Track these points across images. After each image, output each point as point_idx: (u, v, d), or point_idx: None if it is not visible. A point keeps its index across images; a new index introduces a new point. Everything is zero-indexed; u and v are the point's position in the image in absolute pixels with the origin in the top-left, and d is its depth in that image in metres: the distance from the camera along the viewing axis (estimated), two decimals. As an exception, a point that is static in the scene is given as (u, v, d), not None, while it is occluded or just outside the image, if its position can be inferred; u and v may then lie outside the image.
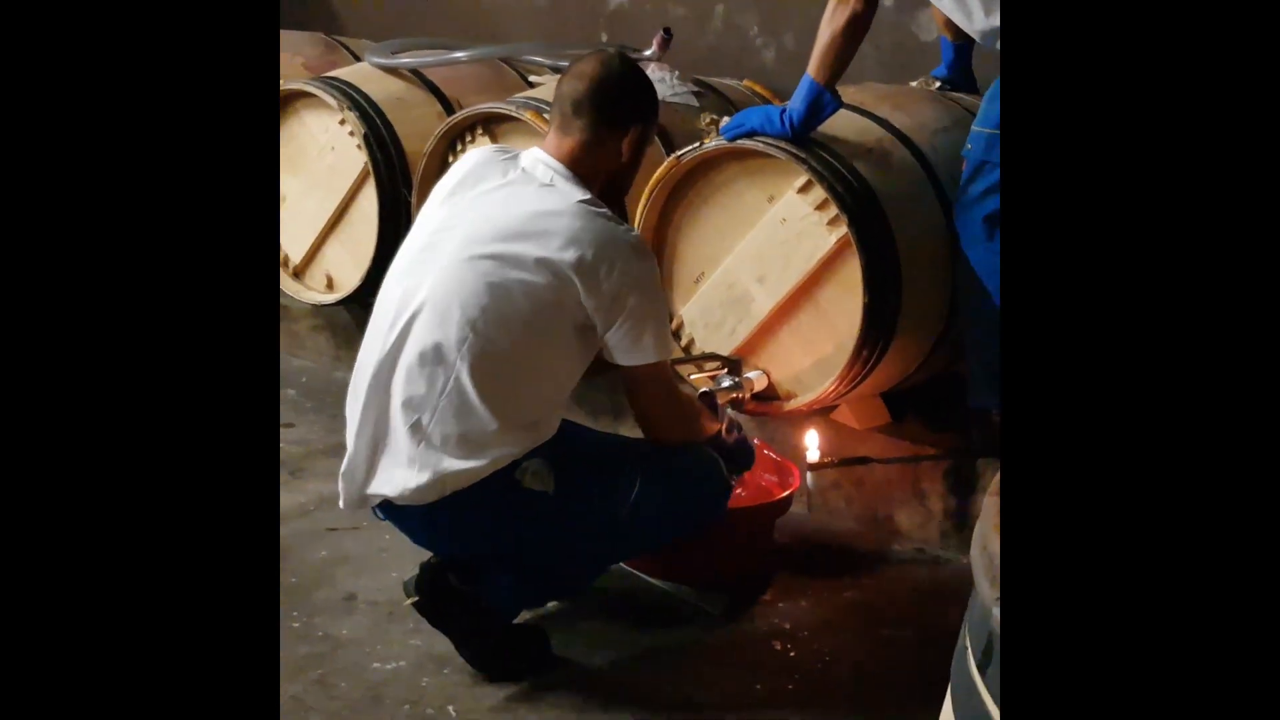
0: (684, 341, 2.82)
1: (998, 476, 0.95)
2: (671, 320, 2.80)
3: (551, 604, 2.40)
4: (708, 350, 2.76)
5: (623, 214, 2.29)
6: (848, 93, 2.65)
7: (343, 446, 2.18)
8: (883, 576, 2.65)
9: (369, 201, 3.46)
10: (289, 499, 2.82)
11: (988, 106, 2.56)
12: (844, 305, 2.56)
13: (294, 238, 3.64)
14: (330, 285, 3.66)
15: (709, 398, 2.54)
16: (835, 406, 2.82)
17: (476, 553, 2.22)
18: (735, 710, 2.14)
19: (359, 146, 3.43)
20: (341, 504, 2.18)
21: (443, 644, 2.21)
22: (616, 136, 2.19)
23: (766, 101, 3.41)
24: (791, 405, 2.69)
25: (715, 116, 2.74)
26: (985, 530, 0.89)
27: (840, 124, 2.60)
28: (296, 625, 2.33)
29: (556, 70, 3.64)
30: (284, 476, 2.94)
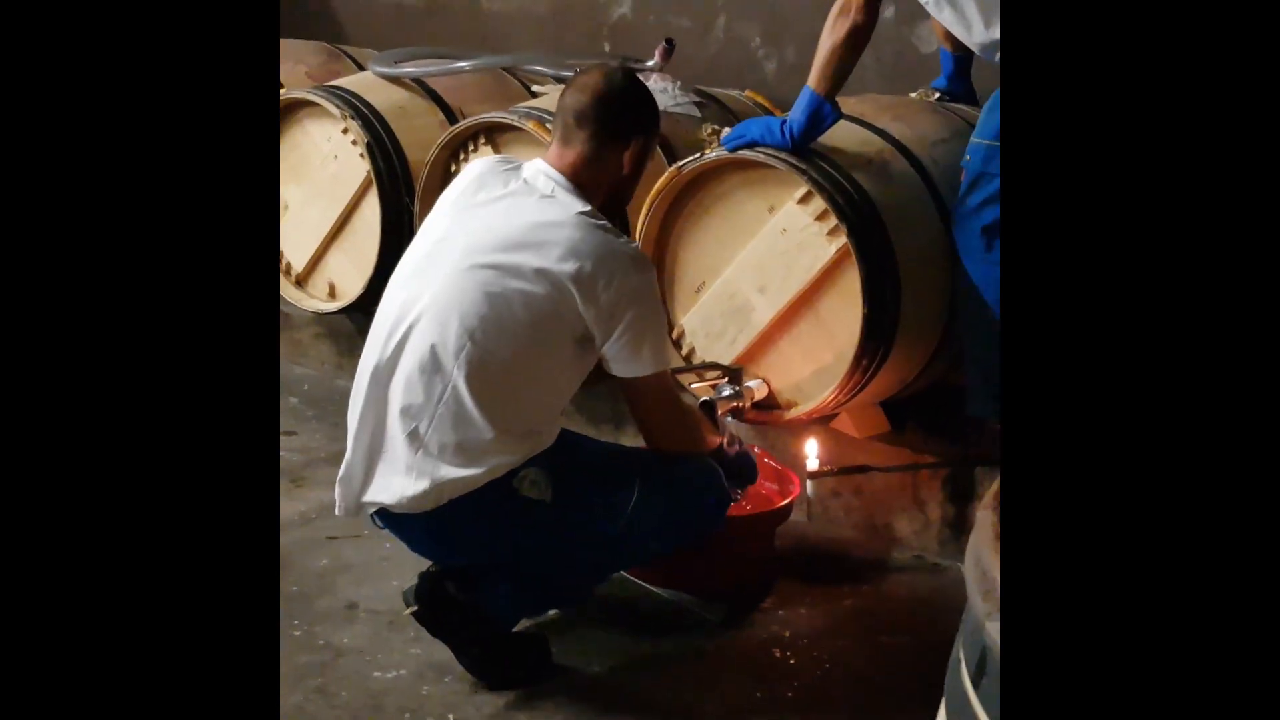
0: (685, 351, 2.84)
1: (992, 489, 0.96)
2: (672, 330, 2.81)
3: (551, 612, 2.41)
4: (708, 360, 2.77)
5: (624, 226, 2.31)
6: (848, 104, 2.67)
7: (344, 454, 2.19)
8: (882, 584, 2.66)
9: (371, 210, 3.47)
10: (290, 507, 2.83)
11: (986, 118, 2.57)
12: (844, 315, 2.57)
13: (296, 246, 3.65)
14: (332, 293, 3.67)
15: (709, 407, 2.55)
16: (835, 415, 2.82)
17: (475, 561, 2.23)
18: (735, 717, 2.15)
19: (362, 155, 3.45)
20: (338, 510, 2.19)
21: (443, 652, 2.21)
22: (618, 149, 2.20)
23: (768, 112, 3.42)
24: (792, 414, 2.70)
25: (717, 127, 2.75)
26: (978, 544, 0.90)
27: (840, 135, 2.62)
28: (297, 634, 2.34)
29: (559, 80, 3.66)
30: (285, 485, 2.95)
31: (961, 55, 3.05)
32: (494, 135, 3.21)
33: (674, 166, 2.70)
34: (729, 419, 2.70)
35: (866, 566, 2.72)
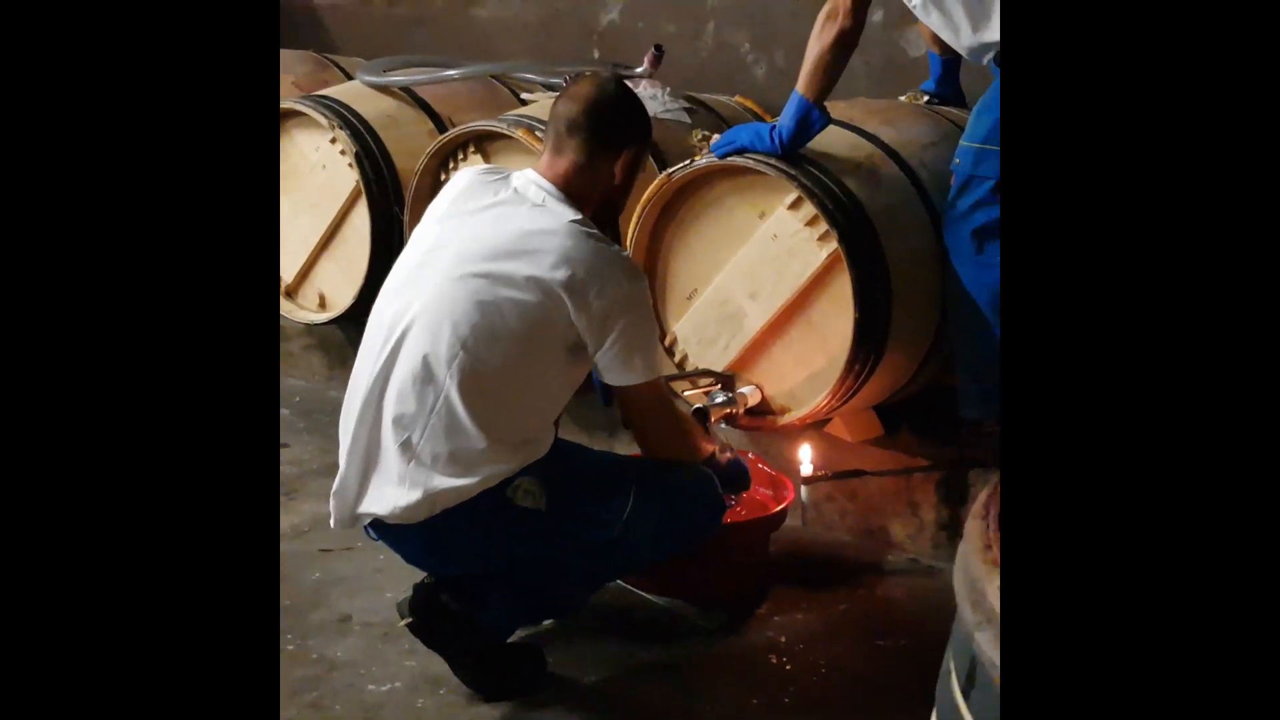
0: (677, 358, 2.83)
1: (980, 498, 0.95)
2: (665, 337, 2.81)
3: (547, 621, 2.40)
4: (701, 367, 2.77)
5: (616, 236, 2.31)
6: (837, 108, 2.67)
7: (337, 467, 2.18)
8: (877, 588, 2.66)
9: (361, 220, 3.47)
10: (282, 520, 2.82)
11: (975, 121, 2.57)
12: (835, 320, 2.57)
13: (286, 257, 3.64)
14: (323, 304, 3.66)
15: (702, 414, 2.55)
16: (829, 420, 2.82)
17: (469, 572, 2.22)
18: (732, 725, 2.15)
19: (350, 165, 3.44)
20: (333, 523, 2.19)
21: (438, 664, 2.21)
22: (610, 158, 2.21)
23: (758, 117, 3.43)
24: (785, 420, 2.70)
25: (707, 133, 2.75)
26: (967, 553, 0.90)
27: (830, 140, 2.62)
28: (291, 647, 2.33)
29: (549, 88, 3.65)
30: (278, 496, 2.95)
31: (950, 58, 3.05)
32: (484, 144, 3.20)
33: (664, 173, 2.70)
34: (722, 425, 2.71)
35: (862, 570, 2.72)
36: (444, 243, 2.17)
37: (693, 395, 2.70)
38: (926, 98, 3.14)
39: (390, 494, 2.10)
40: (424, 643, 2.20)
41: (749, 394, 2.70)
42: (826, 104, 2.52)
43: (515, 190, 2.19)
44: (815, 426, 2.81)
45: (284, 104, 3.55)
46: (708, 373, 2.73)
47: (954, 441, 2.76)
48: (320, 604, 2.50)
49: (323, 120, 3.45)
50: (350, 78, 4.02)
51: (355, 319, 3.35)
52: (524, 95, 3.75)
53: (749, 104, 3.61)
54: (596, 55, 4.30)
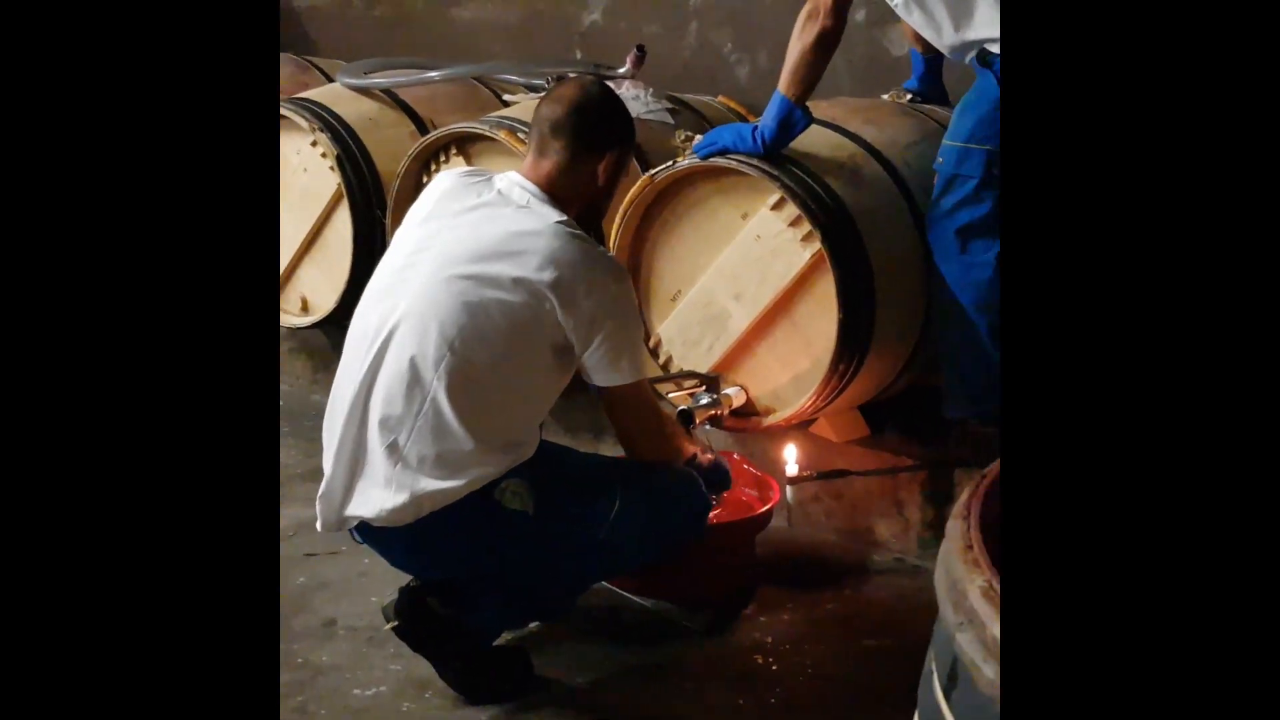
0: (662, 359, 2.83)
1: (962, 497, 0.95)
2: (649, 339, 2.81)
3: (533, 624, 2.40)
4: (686, 368, 2.77)
5: (599, 238, 2.31)
6: (820, 108, 2.67)
7: (320, 470, 2.17)
8: (863, 587, 2.66)
9: (343, 223, 3.45)
10: (268, 524, 2.81)
11: (958, 120, 2.57)
12: (819, 321, 2.57)
13: (270, 260, 3.63)
14: (306, 308, 3.65)
15: (687, 416, 2.55)
16: (813, 420, 2.82)
17: (456, 574, 2.22)
18: (719, 727, 2.15)
19: (332, 168, 3.43)
20: (320, 526, 2.18)
21: (424, 668, 2.20)
22: (593, 161, 2.21)
23: (741, 118, 3.43)
24: (770, 420, 2.70)
25: (690, 134, 2.75)
26: (949, 553, 0.89)
27: (812, 140, 2.62)
28: (276, 652, 2.32)
29: (531, 89, 3.65)
30: (262, 501, 2.93)
31: (932, 56, 3.06)
32: (465, 145, 3.19)
33: (646, 175, 2.70)
34: (707, 427, 2.70)
35: (847, 570, 2.72)
36: (427, 245, 2.16)
37: (678, 397, 2.70)
38: (909, 96, 3.14)
39: (377, 497, 2.09)
40: (410, 646, 2.19)
41: (734, 395, 2.70)
42: (809, 103, 2.52)
43: (499, 192, 2.19)
44: (800, 427, 2.81)
45: (265, 107, 3.53)
46: (692, 374, 2.73)
47: (939, 441, 2.77)
48: (305, 608, 2.49)
49: (303, 123, 3.44)
50: (331, 80, 4.01)
51: (338, 322, 3.33)
52: (506, 97, 3.74)
53: (732, 104, 3.61)
54: (578, 56, 4.29)
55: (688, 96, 3.55)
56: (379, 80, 3.68)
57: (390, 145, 3.45)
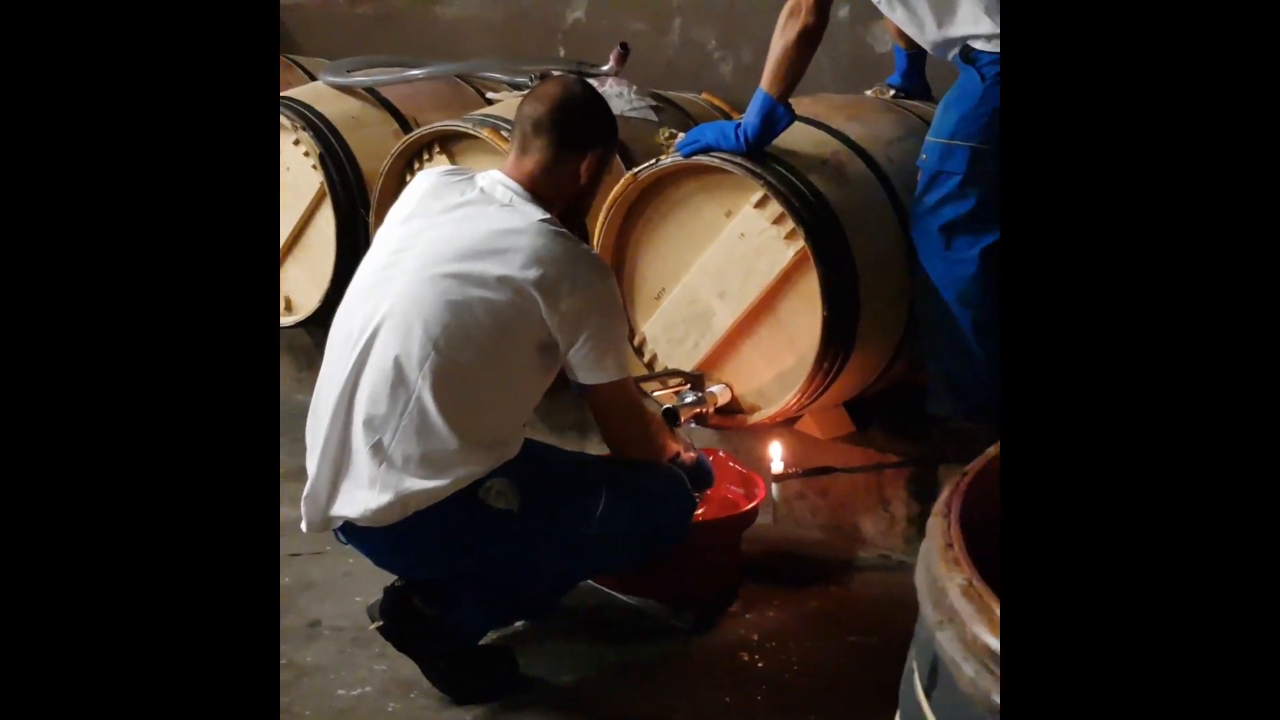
0: (646, 358, 2.83)
1: (943, 495, 0.95)
2: (634, 337, 2.81)
3: (518, 623, 2.40)
4: (670, 366, 2.76)
5: (583, 236, 2.31)
6: (803, 104, 2.67)
7: (304, 471, 2.16)
8: (849, 584, 2.66)
9: (326, 222, 3.45)
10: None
11: (942, 116, 2.57)
12: (804, 318, 2.57)
13: (252, 260, 3.61)
14: (289, 307, 3.63)
15: (672, 414, 2.55)
16: (799, 417, 2.83)
17: (441, 574, 2.21)
18: (704, 724, 2.15)
19: (314, 167, 3.42)
20: (304, 527, 2.17)
21: (409, 668, 2.19)
22: (576, 159, 2.21)
23: (725, 115, 3.43)
24: (755, 418, 2.70)
25: (673, 131, 2.75)
26: (929, 551, 0.89)
27: (796, 137, 2.62)
28: (261, 653, 2.31)
29: (514, 86, 3.64)
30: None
31: (915, 52, 3.06)
32: (449, 144, 3.19)
33: (630, 173, 2.70)
34: (693, 425, 2.70)
35: (833, 567, 2.73)
36: (410, 244, 2.16)
37: (663, 395, 2.70)
38: (892, 92, 3.14)
39: (361, 497, 2.08)
40: (395, 646, 2.19)
41: (719, 393, 2.70)
42: (792, 100, 2.52)
43: (482, 190, 2.19)
44: (785, 424, 2.81)
45: (247, 105, 3.52)
46: (677, 372, 2.72)
47: (924, 438, 2.77)
48: (289, 609, 2.48)
49: (286, 122, 3.42)
50: (313, 78, 4.00)
51: (321, 322, 3.32)
52: (489, 95, 3.73)
53: (716, 101, 3.61)
54: (562, 54, 4.28)
55: (671, 94, 3.54)
56: (362, 79, 3.67)
57: (373, 144, 3.44)
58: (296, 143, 3.45)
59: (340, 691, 2.21)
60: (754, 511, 2.59)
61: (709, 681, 2.26)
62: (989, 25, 2.46)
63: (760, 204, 2.58)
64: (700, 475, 2.45)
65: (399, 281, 2.11)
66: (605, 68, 3.36)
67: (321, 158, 3.39)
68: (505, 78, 3.71)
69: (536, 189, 2.18)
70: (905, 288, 2.68)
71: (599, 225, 2.75)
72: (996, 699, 0.76)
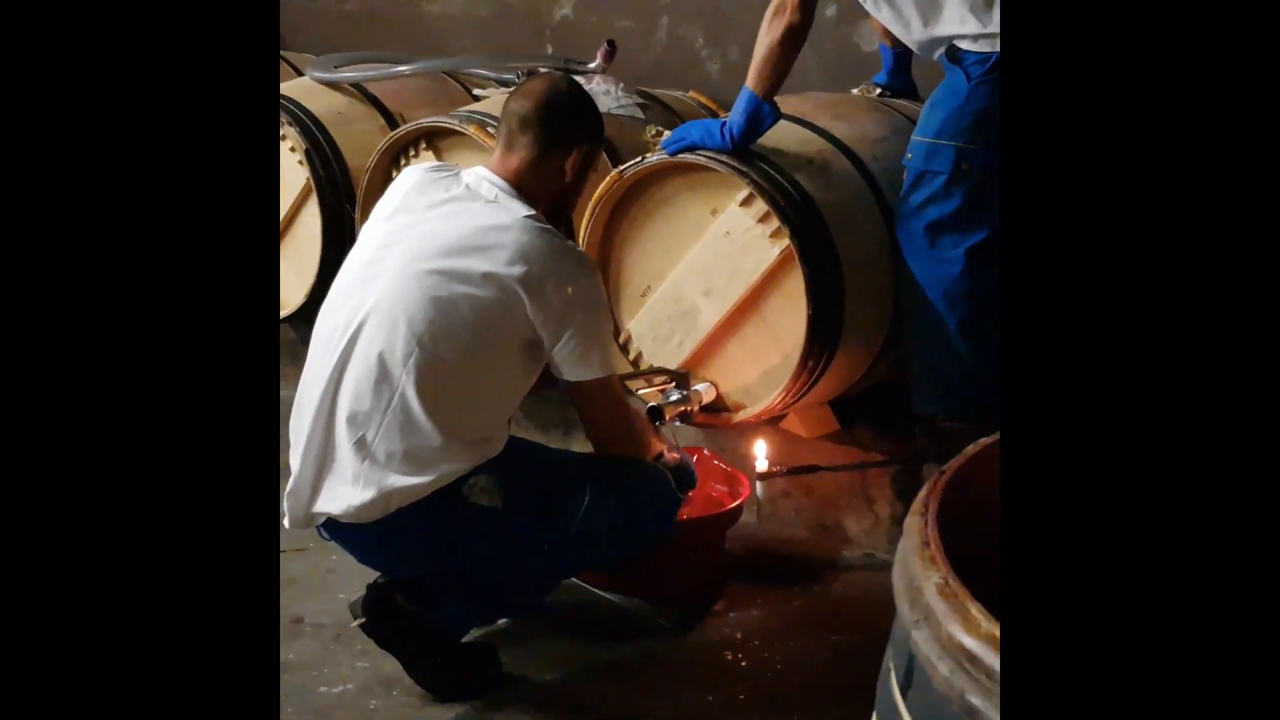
0: (632, 355, 2.83)
1: (920, 494, 0.95)
2: (619, 334, 2.80)
3: (502, 621, 2.39)
4: (656, 364, 2.76)
5: (569, 233, 2.31)
6: (789, 103, 2.67)
7: (287, 466, 2.16)
8: (833, 583, 2.67)
9: (312, 218, 3.44)
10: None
11: (927, 116, 2.57)
12: (789, 316, 2.57)
13: (238, 255, 3.60)
14: (275, 303, 3.62)
15: (656, 412, 2.55)
16: (784, 416, 2.83)
17: (424, 571, 2.21)
18: (687, 723, 2.15)
19: (301, 162, 3.41)
20: (287, 523, 2.17)
21: (391, 665, 2.19)
22: (561, 156, 2.21)
23: (712, 113, 3.43)
24: (740, 416, 2.70)
25: (660, 129, 2.75)
26: (905, 552, 0.89)
27: (781, 135, 2.62)
28: (243, 650, 2.31)
29: (501, 83, 3.63)
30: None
31: (901, 51, 3.06)
32: (435, 140, 3.18)
33: (615, 171, 2.69)
34: (678, 423, 2.70)
35: (817, 566, 2.73)
36: (395, 240, 2.15)
37: (648, 393, 2.69)
38: (879, 90, 3.15)
39: (344, 493, 2.08)
40: (377, 643, 2.18)
41: (704, 391, 2.70)
42: (777, 98, 2.52)
43: (467, 187, 2.19)
44: (770, 422, 2.81)
45: (233, 101, 3.50)
46: (662, 370, 2.72)
47: (908, 436, 2.77)
48: (272, 607, 2.48)
49: (272, 117, 3.41)
50: (300, 74, 3.98)
51: (307, 317, 3.30)
52: (476, 91, 3.73)
53: (703, 99, 3.61)
54: (549, 50, 4.28)
55: (658, 91, 3.54)
56: (349, 74, 3.66)
57: (360, 139, 3.43)
58: (283, 138, 3.44)
59: (322, 689, 2.20)
60: (738, 510, 2.59)
61: (692, 680, 2.26)
62: (975, 25, 2.46)
63: (746, 202, 2.58)
64: (683, 477, 2.45)
65: (384, 277, 2.11)
66: (592, 65, 3.35)
67: (308, 153, 3.38)
68: (492, 74, 3.71)
69: (522, 185, 2.18)
70: (890, 286, 2.69)
71: (585, 222, 2.74)
72: (971, 699, 0.76)
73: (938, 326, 2.58)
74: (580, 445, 2.69)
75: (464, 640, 2.25)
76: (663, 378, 2.71)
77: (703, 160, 2.55)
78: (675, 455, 2.44)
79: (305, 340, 2.44)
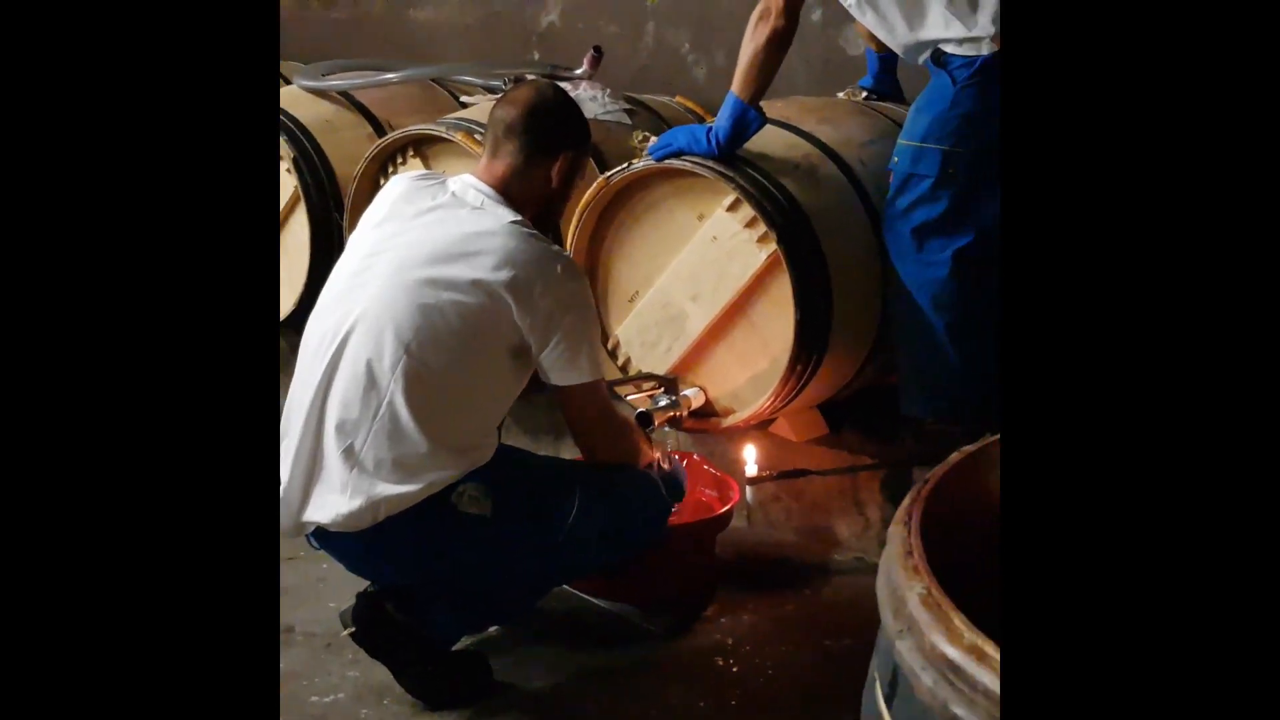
0: (620, 361, 2.83)
1: (904, 503, 0.95)
2: (607, 340, 2.81)
3: (492, 628, 2.39)
4: (644, 369, 2.76)
5: (556, 240, 2.31)
6: (775, 107, 2.67)
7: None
8: (823, 587, 2.66)
9: (300, 226, 3.43)
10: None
11: (913, 119, 2.58)
12: (777, 321, 2.58)
13: (226, 264, 3.59)
14: (264, 311, 3.61)
15: (645, 418, 2.55)
16: (773, 420, 2.83)
17: (414, 579, 2.20)
18: (678, 729, 2.15)
19: (289, 171, 3.40)
20: (277, 533, 2.16)
21: (382, 674, 2.19)
22: (547, 163, 2.21)
23: (699, 118, 3.43)
24: (729, 421, 2.70)
25: (647, 134, 2.75)
26: (890, 560, 0.90)
27: (767, 140, 2.62)
28: (233, 660, 2.30)
29: (488, 90, 3.64)
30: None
31: (886, 54, 3.07)
32: (423, 147, 3.18)
33: (602, 177, 2.70)
34: (667, 428, 2.70)
35: (807, 570, 2.73)
36: (382, 248, 2.15)
37: (637, 399, 2.69)
38: (864, 94, 3.16)
39: (333, 502, 2.08)
40: (367, 652, 2.18)
41: (693, 396, 2.70)
42: (763, 103, 2.53)
43: (453, 194, 2.19)
44: (759, 427, 2.81)
45: (219, 109, 3.50)
46: (651, 376, 2.72)
47: (897, 440, 2.78)
48: (262, 616, 2.47)
49: (259, 125, 3.40)
50: (288, 82, 3.97)
51: (295, 325, 3.29)
52: (464, 98, 3.73)
53: (690, 104, 3.61)
54: (536, 57, 4.28)
55: (645, 97, 3.54)
56: (336, 82, 3.66)
57: (347, 147, 3.43)
58: (269, 146, 3.44)
59: (313, 698, 2.20)
60: (728, 515, 2.59)
61: (683, 686, 2.26)
62: (959, 29, 2.47)
63: (732, 207, 2.58)
64: (672, 486, 2.45)
65: (372, 286, 2.11)
66: (579, 71, 3.36)
67: (296, 161, 3.37)
68: (479, 81, 3.71)
69: (508, 192, 2.18)
70: (878, 290, 2.69)
71: (572, 228, 2.75)
72: (955, 709, 0.76)
73: (925, 329, 2.59)
74: (570, 452, 2.69)
75: (454, 648, 2.25)
76: (651, 383, 2.71)
77: (689, 166, 2.56)
78: (666, 466, 2.43)
79: (294, 348, 2.43)
